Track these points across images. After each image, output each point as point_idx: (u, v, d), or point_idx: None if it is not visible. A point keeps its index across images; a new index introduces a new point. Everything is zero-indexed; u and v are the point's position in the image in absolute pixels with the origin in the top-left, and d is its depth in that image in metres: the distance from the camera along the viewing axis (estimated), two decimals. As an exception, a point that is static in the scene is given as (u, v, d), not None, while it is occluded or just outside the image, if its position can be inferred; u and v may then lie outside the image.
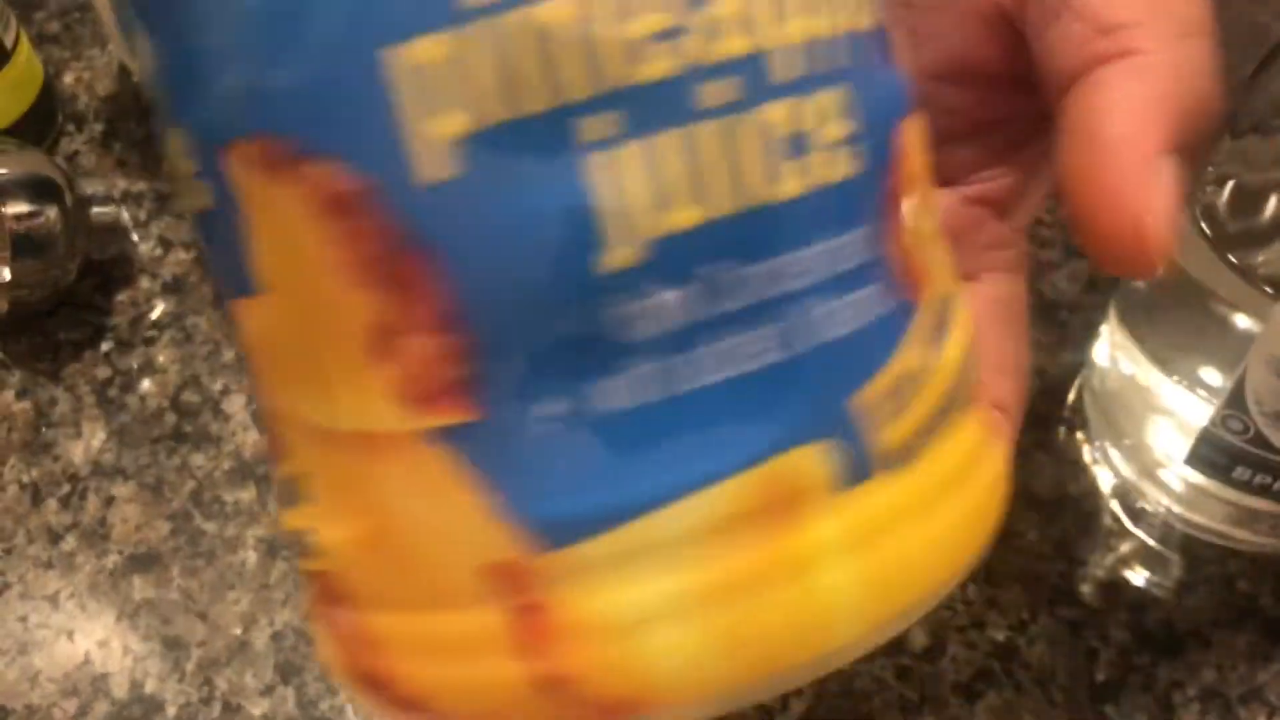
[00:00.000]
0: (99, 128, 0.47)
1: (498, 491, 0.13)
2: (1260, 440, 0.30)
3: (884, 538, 0.14)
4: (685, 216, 0.12)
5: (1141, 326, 0.33)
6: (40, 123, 0.45)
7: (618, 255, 0.12)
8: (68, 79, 0.49)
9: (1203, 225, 0.30)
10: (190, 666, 0.34)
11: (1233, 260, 0.29)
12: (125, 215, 0.43)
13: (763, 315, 0.13)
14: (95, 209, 0.41)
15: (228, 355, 0.40)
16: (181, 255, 0.43)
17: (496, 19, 0.12)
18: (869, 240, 0.14)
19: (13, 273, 0.38)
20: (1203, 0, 0.17)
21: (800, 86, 0.13)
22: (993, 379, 0.19)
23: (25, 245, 0.38)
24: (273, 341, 0.14)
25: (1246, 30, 0.47)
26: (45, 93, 0.45)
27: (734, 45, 0.12)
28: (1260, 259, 0.29)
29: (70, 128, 0.47)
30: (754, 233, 0.13)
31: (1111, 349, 0.34)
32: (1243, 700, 0.32)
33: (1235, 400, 0.30)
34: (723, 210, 0.13)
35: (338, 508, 0.14)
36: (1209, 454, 0.32)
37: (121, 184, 0.45)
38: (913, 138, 0.15)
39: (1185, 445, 0.32)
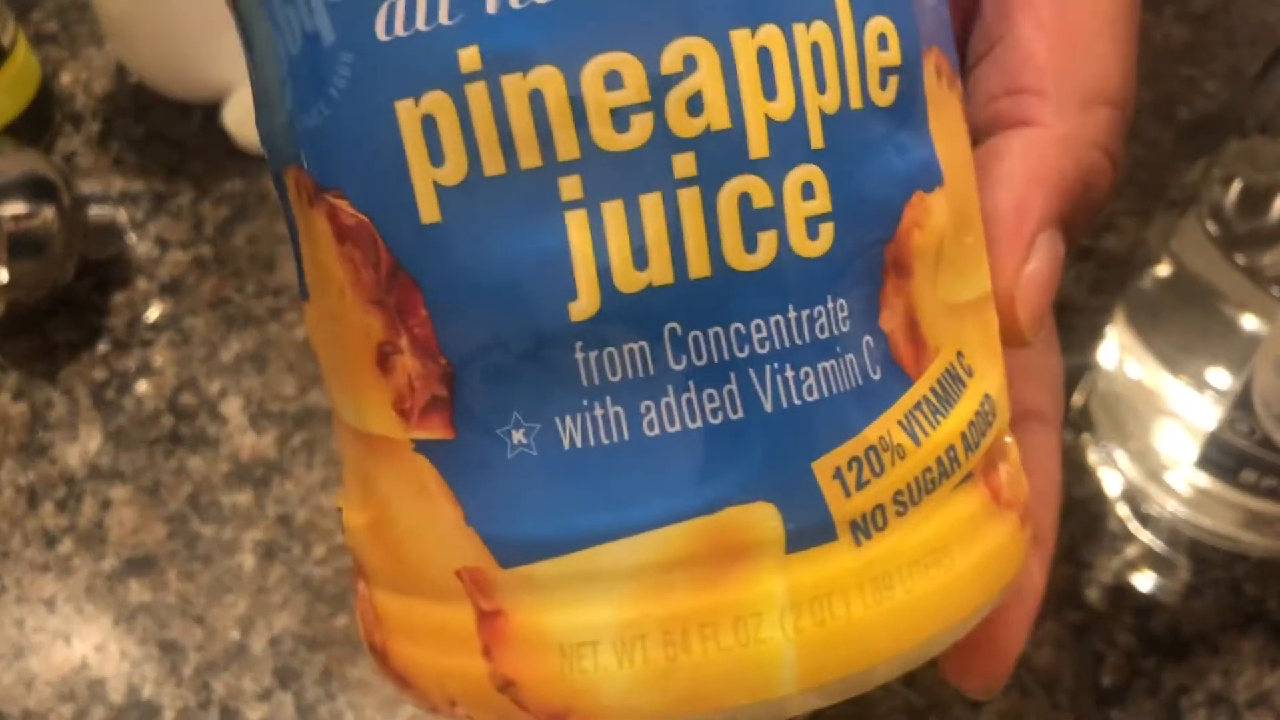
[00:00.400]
0: (96, 127, 0.47)
1: (464, 506, 0.14)
2: (1267, 443, 0.30)
3: (833, 602, 0.14)
4: (653, 275, 0.13)
5: (1148, 328, 0.33)
6: (37, 122, 0.45)
7: (586, 306, 0.13)
8: (65, 78, 0.48)
9: (1209, 226, 0.30)
10: (187, 671, 0.34)
11: (1239, 261, 0.29)
12: (122, 215, 0.43)
13: (724, 374, 0.14)
14: (92, 209, 0.41)
15: (225, 357, 0.40)
16: (179, 256, 0.43)
17: (494, 80, 0.13)
18: (851, 312, 0.14)
19: (9, 273, 0.38)
20: (1117, 65, 0.18)
21: (777, 163, 0.13)
22: (1030, 389, 0.20)
23: (22, 245, 0.38)
24: (317, 342, 0.16)
25: (1254, 30, 0.47)
26: (42, 92, 0.45)
27: (713, 119, 0.13)
28: (1267, 260, 0.29)
29: (67, 127, 0.47)
30: (721, 296, 0.13)
31: (1118, 351, 0.34)
32: (1250, 705, 0.32)
33: (1242, 402, 0.30)
34: (690, 273, 0.13)
35: (356, 495, 0.16)
36: (1216, 457, 0.31)
37: (119, 184, 0.45)
38: (929, 213, 0.15)
39: (1192, 448, 0.32)
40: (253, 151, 0.45)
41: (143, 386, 0.40)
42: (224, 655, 0.34)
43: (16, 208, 0.38)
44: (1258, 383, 0.29)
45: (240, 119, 0.45)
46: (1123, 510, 0.35)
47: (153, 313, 0.42)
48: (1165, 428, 0.33)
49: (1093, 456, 0.36)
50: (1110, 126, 0.18)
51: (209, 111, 0.46)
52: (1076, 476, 0.36)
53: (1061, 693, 0.32)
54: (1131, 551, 0.35)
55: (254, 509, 0.37)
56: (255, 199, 0.44)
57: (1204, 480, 0.32)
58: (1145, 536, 0.35)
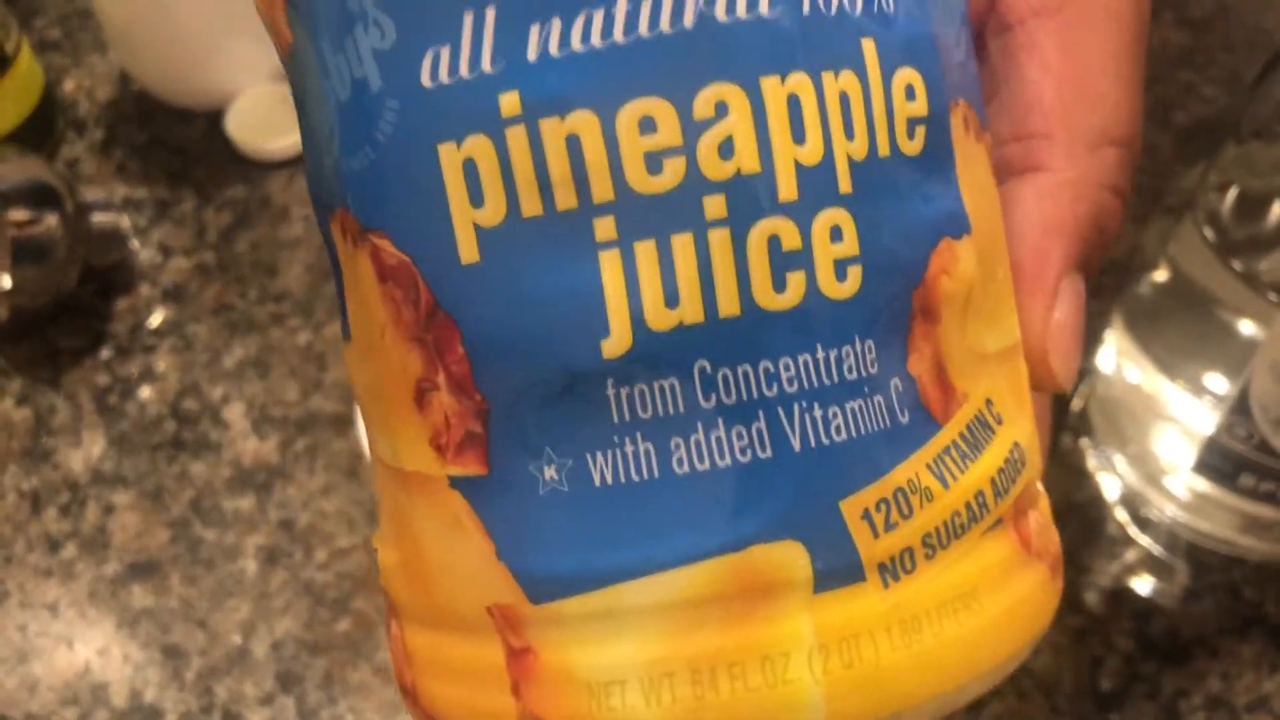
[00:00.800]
0: (99, 134, 0.47)
1: (496, 541, 0.15)
2: (1265, 448, 0.30)
3: (861, 643, 0.14)
4: (684, 314, 0.14)
5: (1146, 333, 0.33)
6: (41, 129, 0.45)
7: (618, 343, 0.14)
8: (68, 85, 0.49)
9: (1206, 231, 0.30)
10: (190, 675, 0.34)
11: (1236, 266, 0.29)
12: (125, 222, 0.43)
13: (753, 412, 0.14)
14: (95, 216, 0.41)
15: (227, 363, 0.40)
16: (181, 262, 0.43)
17: (533, 125, 0.13)
18: (879, 354, 0.14)
19: (13, 279, 0.38)
20: (1123, 105, 0.18)
21: (806, 206, 0.14)
22: None
23: (25, 252, 0.38)
24: (358, 382, 0.16)
25: (1251, 36, 0.47)
26: (46, 99, 0.45)
27: (743, 163, 0.13)
28: (1264, 265, 0.29)
29: (71, 134, 0.47)
30: (750, 335, 0.14)
31: (1116, 356, 0.34)
32: (1249, 709, 0.32)
33: (1240, 407, 0.30)
34: (720, 311, 0.14)
35: (391, 534, 0.16)
36: (1214, 461, 0.31)
37: (122, 191, 0.45)
38: (956, 260, 0.15)
39: (1190, 452, 0.32)
40: (255, 158, 0.45)
41: (145, 392, 0.40)
42: (226, 660, 0.34)
43: (20, 214, 0.38)
44: (1255, 388, 0.29)
45: (243, 126, 0.45)
46: (1121, 515, 0.35)
47: (155, 319, 0.42)
48: (1163, 432, 0.33)
49: (1091, 461, 0.36)
50: (1119, 166, 0.18)
51: (212, 118, 0.46)
52: (1075, 481, 0.36)
53: (1060, 696, 0.32)
54: (1130, 556, 0.35)
55: (256, 514, 0.37)
56: (258, 205, 0.44)
57: (1202, 485, 0.32)
58: (1144, 541, 0.35)
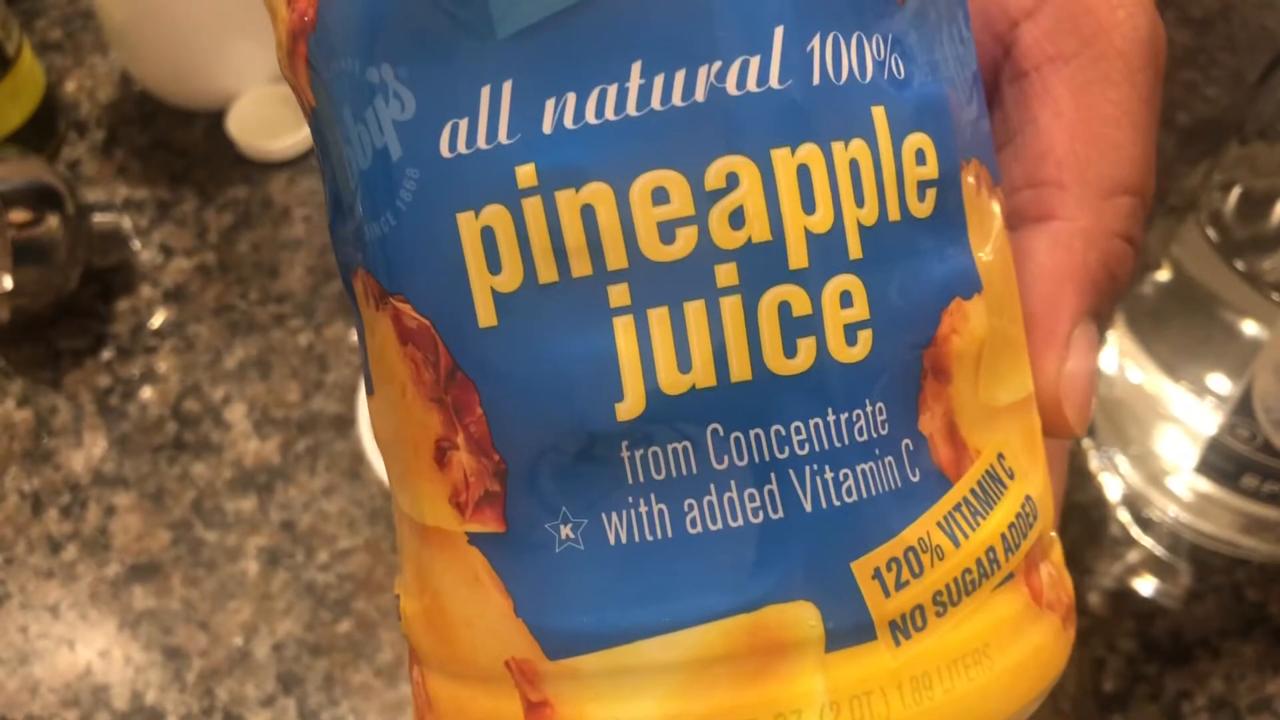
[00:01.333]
0: (100, 135, 0.47)
1: (514, 597, 0.15)
2: (1268, 448, 0.30)
3: (873, 701, 0.15)
4: (696, 378, 0.14)
5: (1149, 334, 0.33)
6: (42, 130, 0.45)
7: (632, 407, 0.14)
8: (69, 86, 0.49)
9: (1209, 232, 0.30)
10: (191, 677, 0.34)
11: (1239, 267, 0.29)
12: (126, 223, 0.43)
13: (765, 474, 0.14)
14: (96, 217, 0.41)
15: (229, 364, 0.40)
16: (183, 263, 0.43)
17: (549, 195, 0.14)
18: (889, 415, 0.15)
19: (14, 281, 0.38)
20: (1136, 153, 0.18)
21: (816, 272, 0.14)
22: None
23: (26, 253, 0.38)
24: (379, 435, 0.17)
25: (1254, 35, 0.47)
26: (47, 100, 0.45)
27: (754, 232, 0.14)
28: (1267, 265, 0.29)
29: (72, 135, 0.47)
30: (762, 399, 0.14)
31: (1119, 356, 0.34)
32: (1252, 710, 0.32)
33: (1243, 407, 0.30)
34: (732, 376, 0.14)
35: (413, 584, 0.17)
36: (1217, 462, 0.31)
37: (123, 192, 0.45)
38: (967, 319, 0.15)
39: (1193, 453, 0.32)
40: (257, 159, 0.45)
41: (147, 393, 0.40)
42: (227, 661, 0.34)
43: (21, 215, 0.38)
44: (1258, 388, 0.29)
45: (244, 126, 0.45)
46: (1124, 515, 0.35)
47: (157, 319, 0.42)
48: (1166, 433, 0.33)
49: (1094, 462, 0.36)
50: (1131, 214, 0.18)
51: (213, 119, 0.46)
52: (1078, 482, 0.36)
53: (1063, 698, 0.32)
54: (1133, 557, 0.35)
55: (257, 515, 0.37)
56: (259, 206, 0.44)
57: (1205, 485, 0.32)
58: (1146, 541, 0.35)
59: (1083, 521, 0.35)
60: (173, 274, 0.43)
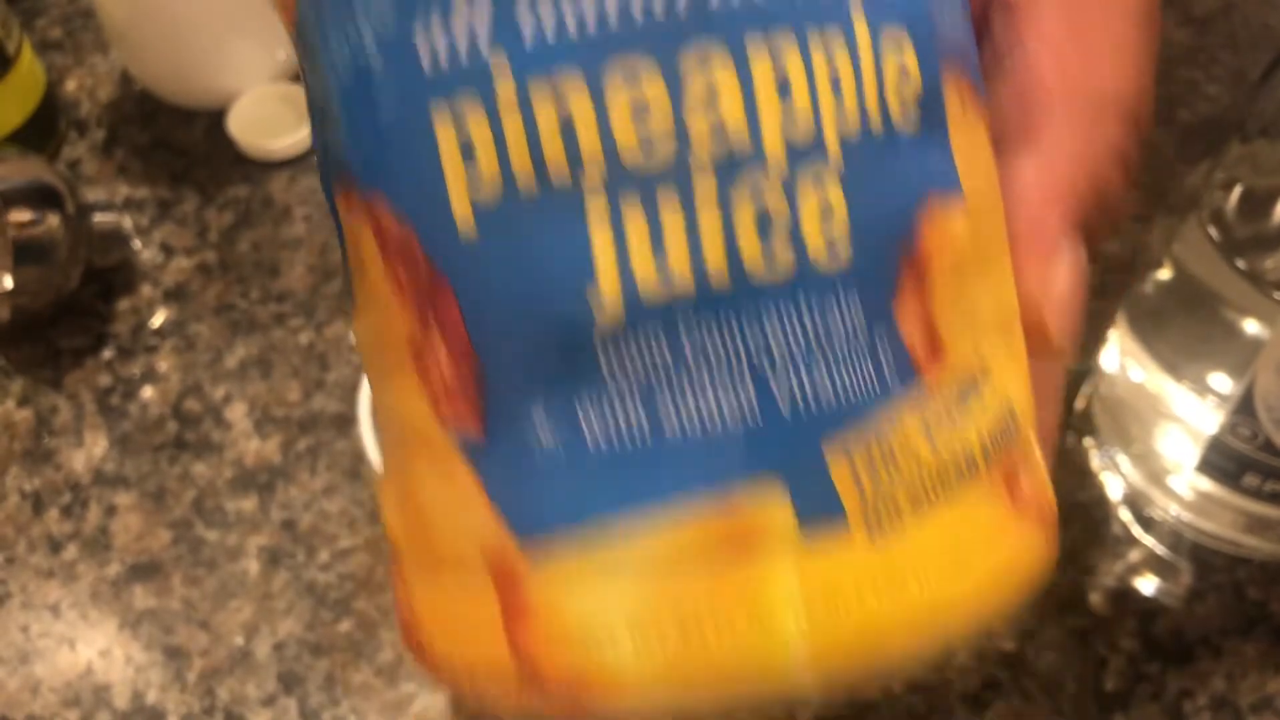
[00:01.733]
0: (101, 134, 0.47)
1: (492, 497, 0.15)
2: (1269, 447, 0.30)
3: (846, 594, 0.15)
4: (675, 283, 0.14)
5: (1150, 333, 0.33)
6: (42, 130, 0.45)
7: (609, 309, 0.14)
8: (70, 86, 0.49)
9: (1210, 230, 0.30)
10: (192, 676, 0.34)
11: (1241, 265, 0.29)
12: (127, 222, 0.43)
13: (741, 374, 0.14)
14: (97, 216, 0.41)
15: (229, 363, 0.40)
16: (183, 262, 0.43)
17: (529, 108, 0.14)
18: (866, 315, 0.15)
19: (14, 280, 0.38)
20: (1125, 73, 0.18)
21: (794, 178, 0.14)
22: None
23: (27, 253, 0.38)
24: (362, 343, 0.17)
25: (1255, 34, 0.47)
26: (47, 100, 0.45)
27: (734, 141, 0.14)
28: (1268, 264, 0.29)
29: (72, 134, 0.47)
30: (737, 298, 0.14)
31: (1120, 355, 0.34)
32: (1253, 709, 0.32)
33: (1244, 406, 0.30)
34: (709, 274, 0.14)
35: (394, 484, 0.17)
36: (1218, 461, 0.31)
37: (123, 191, 0.45)
38: (947, 227, 0.16)
39: (1195, 452, 0.32)
40: (257, 158, 0.45)
41: (147, 392, 0.40)
42: (228, 661, 0.34)
43: (21, 215, 0.38)
44: (1260, 387, 0.29)
45: (245, 126, 0.45)
46: (1125, 514, 0.35)
47: (157, 319, 0.42)
48: (1167, 432, 0.33)
49: (1095, 461, 0.36)
50: (1120, 134, 0.18)
51: (214, 118, 0.46)
52: (1079, 481, 0.36)
53: (1064, 697, 0.32)
54: (1134, 556, 0.35)
55: (258, 514, 0.37)
56: (260, 205, 0.44)
57: (1206, 484, 0.32)
58: (1148, 541, 0.35)
59: (1084, 520, 0.35)
60: (173, 273, 0.43)
